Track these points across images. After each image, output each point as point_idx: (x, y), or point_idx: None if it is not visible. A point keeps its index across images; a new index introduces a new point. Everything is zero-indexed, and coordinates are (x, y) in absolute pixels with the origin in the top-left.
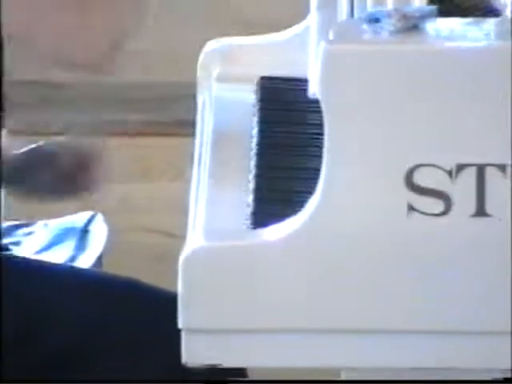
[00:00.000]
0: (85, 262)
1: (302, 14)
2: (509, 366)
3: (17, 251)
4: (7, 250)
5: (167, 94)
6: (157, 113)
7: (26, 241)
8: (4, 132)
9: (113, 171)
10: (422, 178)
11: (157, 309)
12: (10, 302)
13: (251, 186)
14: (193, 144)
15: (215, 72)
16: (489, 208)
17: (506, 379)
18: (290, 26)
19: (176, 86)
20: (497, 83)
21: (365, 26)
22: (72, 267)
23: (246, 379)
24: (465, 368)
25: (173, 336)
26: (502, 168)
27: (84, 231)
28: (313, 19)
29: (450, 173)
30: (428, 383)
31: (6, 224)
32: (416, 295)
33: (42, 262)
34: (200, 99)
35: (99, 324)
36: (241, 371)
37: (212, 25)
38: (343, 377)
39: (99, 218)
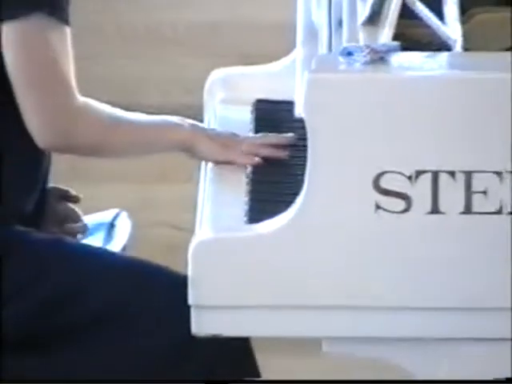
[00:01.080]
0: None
1: (289, 48)
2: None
3: None
4: None
5: (178, 113)
6: None
7: None
8: None
9: (137, 175)
10: (387, 182)
11: (170, 287)
12: (64, 272)
13: (248, 188)
14: None
15: (218, 96)
16: (442, 207)
17: (508, 379)
18: (280, 59)
19: (187, 106)
20: (448, 105)
21: (340, 59)
22: (107, 250)
23: (246, 379)
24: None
25: (184, 310)
26: (452, 174)
27: (111, 225)
28: (298, 53)
29: (410, 178)
30: (428, 383)
31: None
32: (382, 275)
33: (90, 245)
34: (206, 118)
35: (127, 293)
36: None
37: (216, 57)
38: (323, 346)
39: (124, 214)
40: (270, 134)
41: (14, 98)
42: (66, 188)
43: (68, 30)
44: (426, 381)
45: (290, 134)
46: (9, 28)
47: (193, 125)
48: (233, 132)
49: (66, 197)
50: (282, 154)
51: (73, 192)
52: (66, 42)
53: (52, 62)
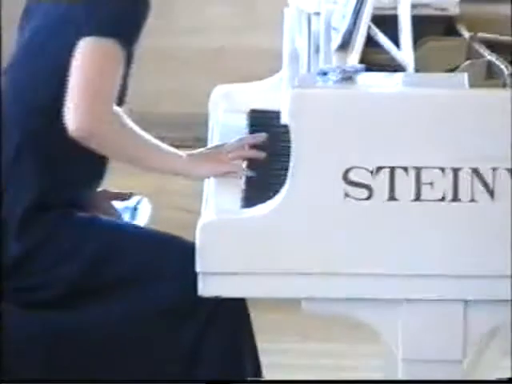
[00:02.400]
0: None
1: (277, 69)
2: None
3: None
4: None
5: (189, 120)
6: (183, 132)
7: None
8: None
9: None
10: (353, 176)
11: (183, 251)
12: (99, 241)
13: (243, 180)
14: None
15: (221, 106)
16: (397, 195)
17: (510, 379)
18: (269, 77)
19: (195, 114)
20: (402, 115)
21: (317, 77)
22: (132, 224)
23: (246, 379)
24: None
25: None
26: (405, 169)
27: (134, 209)
28: (284, 72)
29: (372, 172)
30: (429, 383)
31: None
32: (349, 247)
33: (118, 221)
34: (210, 124)
35: (150, 258)
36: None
37: (219, 75)
38: (302, 305)
39: (145, 200)
40: (246, 136)
41: None
42: (116, 191)
43: (123, 55)
44: (427, 381)
45: (263, 134)
46: (82, 42)
47: (188, 156)
48: (216, 145)
49: (118, 197)
50: (261, 154)
51: (125, 192)
52: (120, 66)
53: (102, 77)
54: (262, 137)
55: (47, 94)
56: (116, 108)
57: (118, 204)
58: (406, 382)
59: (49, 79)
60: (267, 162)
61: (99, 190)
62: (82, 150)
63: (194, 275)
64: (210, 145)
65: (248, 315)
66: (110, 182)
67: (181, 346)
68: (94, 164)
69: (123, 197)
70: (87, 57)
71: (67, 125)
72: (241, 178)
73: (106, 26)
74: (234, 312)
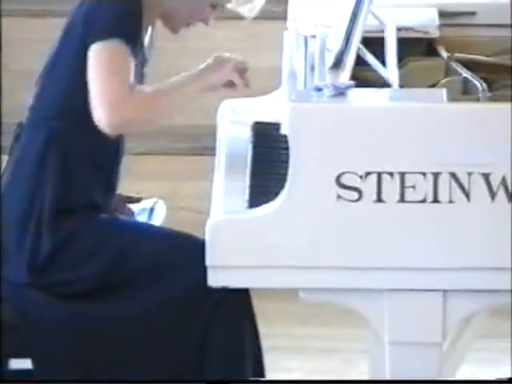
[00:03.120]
0: None
1: (277, 86)
2: None
3: None
4: None
5: (199, 131)
6: (193, 142)
7: None
8: None
9: (170, 175)
10: (345, 180)
11: (194, 247)
12: (119, 240)
13: (248, 184)
14: (214, 160)
15: (227, 119)
16: (384, 197)
17: (510, 379)
18: (270, 92)
19: (205, 126)
20: (388, 126)
21: (313, 93)
22: (148, 223)
23: (246, 379)
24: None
25: (203, 263)
26: (391, 174)
27: (151, 210)
28: (283, 88)
29: (361, 177)
30: (429, 383)
31: None
32: (341, 243)
33: (136, 221)
34: (218, 135)
35: (165, 252)
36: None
37: (225, 92)
38: (300, 294)
39: (160, 202)
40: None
41: (82, 114)
42: (128, 195)
43: (131, 56)
44: (426, 381)
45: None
46: (91, 49)
47: (198, 71)
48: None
49: (131, 200)
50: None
51: (135, 195)
52: (129, 59)
53: (115, 73)
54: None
55: (69, 98)
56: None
57: (136, 206)
58: (407, 382)
59: (68, 85)
60: (269, 167)
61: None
62: (101, 151)
63: (203, 267)
64: (217, 153)
65: (251, 304)
66: (128, 186)
67: (194, 330)
68: (111, 165)
69: (134, 200)
70: (98, 62)
71: (100, 126)
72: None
73: (107, 29)
74: (239, 301)
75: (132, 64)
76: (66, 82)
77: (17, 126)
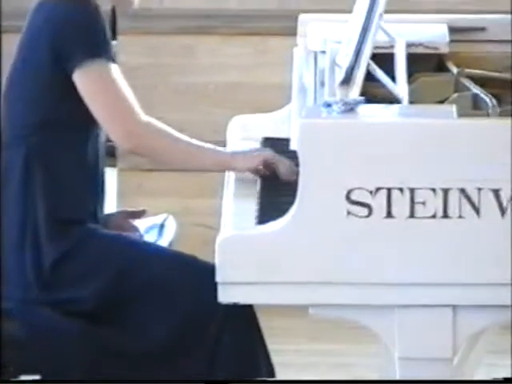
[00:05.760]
0: (162, 244)
1: (287, 101)
2: None
3: None
4: None
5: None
6: None
7: None
8: None
9: (181, 191)
10: (355, 195)
11: (202, 273)
12: (122, 257)
13: (257, 200)
14: (224, 176)
15: (237, 135)
16: (394, 213)
17: (506, 379)
18: (280, 108)
19: (215, 142)
20: (398, 142)
21: (322, 109)
22: (156, 244)
23: (246, 379)
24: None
25: (211, 284)
26: (401, 190)
27: (161, 226)
28: (293, 104)
29: (371, 192)
30: (429, 383)
31: None
32: (351, 260)
33: (139, 239)
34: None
35: (170, 272)
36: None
37: (236, 108)
38: (310, 310)
39: (171, 217)
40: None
41: (78, 130)
42: (131, 209)
43: (116, 66)
44: (427, 381)
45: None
46: (79, 74)
47: (231, 151)
48: (254, 148)
49: (134, 215)
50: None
51: (138, 209)
52: (119, 75)
53: (116, 92)
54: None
55: (45, 114)
56: (147, 117)
57: (146, 222)
58: (406, 382)
59: (41, 101)
60: (278, 183)
61: (117, 210)
62: (83, 157)
63: (208, 287)
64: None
65: (256, 318)
66: (139, 202)
67: (200, 350)
68: (95, 169)
69: (138, 214)
70: (91, 84)
71: (120, 146)
72: (257, 192)
73: (87, 50)
74: (245, 315)
75: (122, 77)
76: (38, 99)
77: None
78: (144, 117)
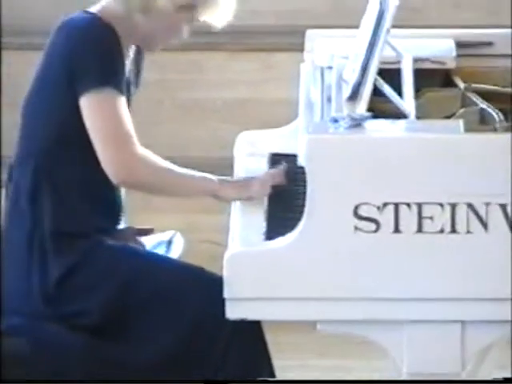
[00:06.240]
0: None
1: (293, 117)
2: None
3: None
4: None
5: (216, 162)
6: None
7: None
8: None
9: (189, 208)
10: (363, 211)
11: (209, 285)
12: (128, 267)
13: (265, 216)
14: None
15: (244, 151)
16: (401, 228)
17: (506, 379)
18: (287, 124)
19: (222, 158)
20: (405, 157)
21: (330, 124)
22: (162, 255)
23: (246, 379)
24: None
25: (218, 297)
26: (408, 205)
27: (169, 242)
28: (300, 120)
29: (378, 208)
30: (429, 383)
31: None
32: (359, 275)
33: (145, 249)
34: (235, 167)
35: (176, 282)
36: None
37: (243, 123)
38: (318, 326)
39: (178, 234)
40: (271, 170)
41: (86, 148)
42: (139, 227)
43: (123, 98)
44: (425, 381)
45: (283, 165)
46: (85, 98)
47: (219, 179)
48: (246, 177)
49: (141, 232)
50: (283, 180)
51: (146, 227)
52: (124, 107)
53: (115, 126)
54: (283, 168)
55: (54, 132)
56: (143, 150)
57: (153, 238)
58: (406, 382)
59: (52, 119)
60: (286, 199)
61: (125, 227)
62: (92, 178)
63: (215, 299)
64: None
65: (263, 334)
66: (147, 219)
67: (210, 361)
68: (106, 190)
69: (145, 232)
70: (95, 111)
71: (110, 178)
72: (264, 208)
73: (99, 77)
74: (252, 331)
75: (127, 109)
76: (49, 116)
77: (9, 166)
78: (139, 151)
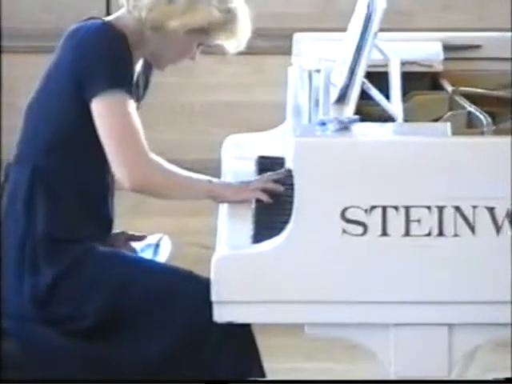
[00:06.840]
0: None
1: (281, 120)
2: None
3: None
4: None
5: (204, 165)
6: None
7: None
8: None
9: (176, 211)
10: (350, 214)
11: (197, 287)
12: (119, 272)
13: (252, 219)
14: None
15: (232, 154)
16: (389, 231)
17: (507, 379)
18: (275, 127)
19: (210, 161)
20: (392, 160)
21: (317, 127)
22: (152, 260)
23: (246, 379)
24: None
25: (206, 300)
26: (396, 208)
27: (157, 245)
28: (288, 123)
29: (366, 211)
30: (428, 383)
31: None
32: (346, 278)
33: (136, 255)
34: (223, 169)
35: (166, 286)
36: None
37: (230, 126)
38: (306, 329)
39: (166, 237)
40: (268, 174)
41: (91, 155)
42: (132, 233)
43: (132, 102)
44: (425, 381)
45: (282, 170)
46: (97, 101)
47: (218, 181)
48: (242, 181)
49: (133, 238)
50: (279, 188)
51: (139, 234)
52: (134, 112)
53: (130, 127)
54: (281, 174)
55: (54, 135)
56: (154, 156)
57: (140, 243)
58: (406, 382)
59: (53, 122)
60: (274, 202)
61: (117, 231)
62: (88, 185)
63: (205, 302)
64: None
65: (253, 336)
66: (135, 222)
67: (201, 363)
68: (100, 198)
69: (139, 238)
70: (108, 112)
71: (122, 184)
72: (252, 211)
73: (111, 80)
74: (242, 333)
75: (136, 114)
76: (52, 121)
77: (6, 165)
78: (152, 155)
